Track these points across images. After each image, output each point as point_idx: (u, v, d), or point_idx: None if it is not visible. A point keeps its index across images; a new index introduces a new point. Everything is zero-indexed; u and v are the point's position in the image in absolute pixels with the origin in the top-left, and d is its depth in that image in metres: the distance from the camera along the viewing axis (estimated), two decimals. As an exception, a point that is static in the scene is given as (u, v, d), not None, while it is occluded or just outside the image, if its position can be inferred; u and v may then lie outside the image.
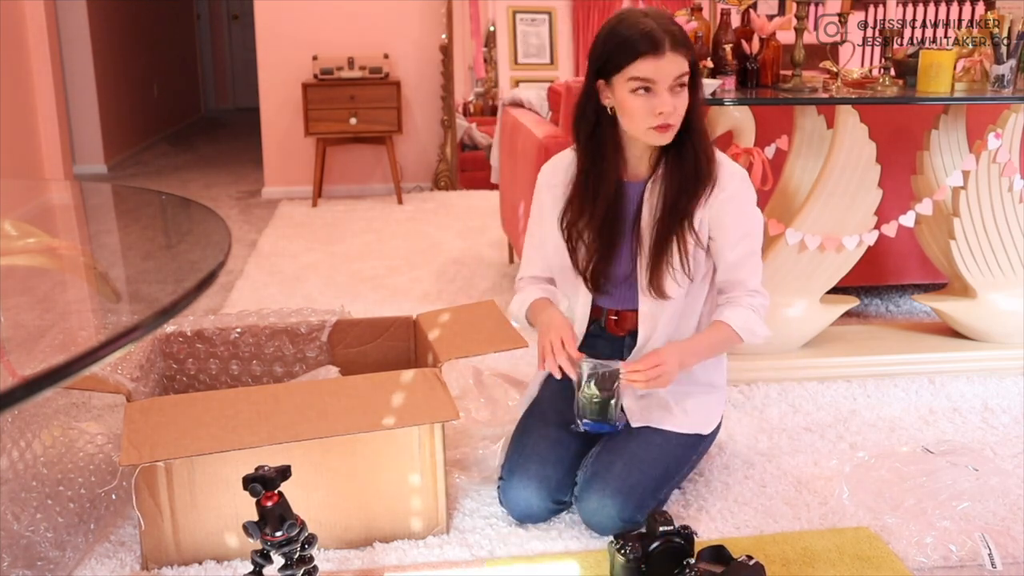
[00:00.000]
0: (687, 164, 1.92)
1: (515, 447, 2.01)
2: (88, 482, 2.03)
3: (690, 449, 2.04)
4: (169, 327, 2.26)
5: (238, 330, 2.28)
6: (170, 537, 1.80)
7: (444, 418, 1.85)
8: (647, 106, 1.84)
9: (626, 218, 2.00)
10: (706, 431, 2.07)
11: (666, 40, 1.81)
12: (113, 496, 2.02)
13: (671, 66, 1.82)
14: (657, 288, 1.96)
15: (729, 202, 1.95)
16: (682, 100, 1.85)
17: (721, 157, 2.00)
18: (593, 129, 1.94)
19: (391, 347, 2.32)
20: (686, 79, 1.85)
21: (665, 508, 2.01)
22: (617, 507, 1.88)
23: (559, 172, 2.06)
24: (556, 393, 2.07)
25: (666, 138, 1.89)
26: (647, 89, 1.83)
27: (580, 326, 2.08)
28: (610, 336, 2.08)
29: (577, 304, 2.08)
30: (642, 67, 1.82)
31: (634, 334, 2.05)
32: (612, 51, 1.86)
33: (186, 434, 1.73)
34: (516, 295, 2.14)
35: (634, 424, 2.00)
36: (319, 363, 2.33)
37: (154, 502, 1.78)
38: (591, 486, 1.91)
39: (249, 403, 1.83)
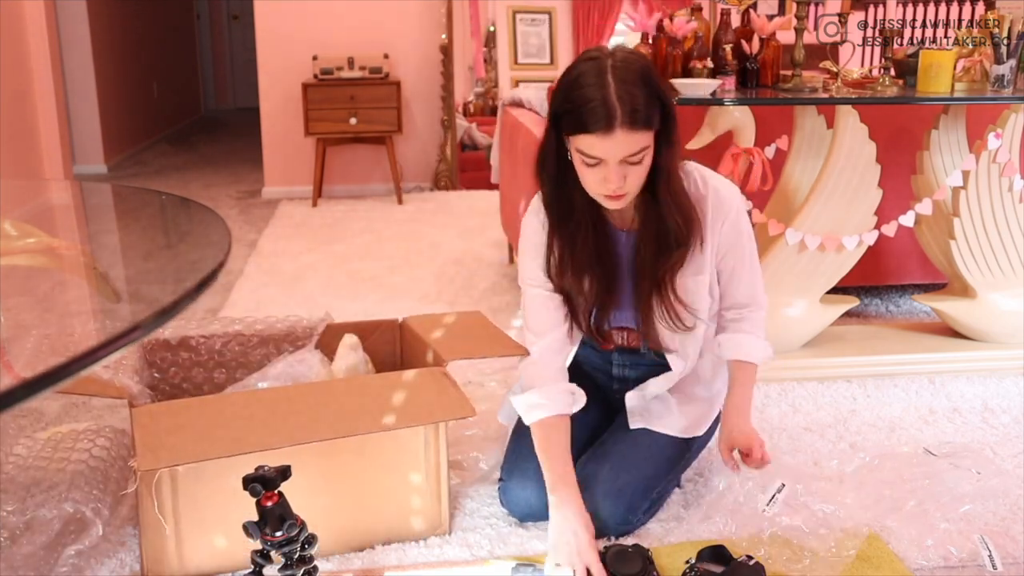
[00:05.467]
0: (663, 223, 1.81)
1: (513, 448, 2.01)
2: (85, 484, 2.02)
3: (681, 450, 2.03)
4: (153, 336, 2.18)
5: (222, 339, 2.23)
6: (173, 548, 1.76)
7: (461, 415, 1.85)
8: (596, 177, 1.71)
9: (621, 265, 1.91)
10: (699, 432, 2.06)
11: (617, 117, 1.62)
12: (107, 500, 2.02)
13: (621, 147, 1.65)
14: (653, 340, 1.95)
15: (732, 227, 1.91)
16: (637, 171, 1.70)
17: (714, 181, 1.90)
18: (559, 178, 1.81)
19: (376, 350, 2.29)
20: (643, 155, 1.69)
21: (664, 508, 2.01)
22: (608, 510, 1.88)
23: (540, 231, 1.91)
24: None
25: (620, 204, 1.77)
26: (596, 161, 1.69)
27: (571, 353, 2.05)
28: (598, 348, 2.08)
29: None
30: (588, 142, 1.66)
31: (621, 349, 2.05)
32: (563, 114, 1.71)
33: (202, 438, 1.69)
34: (525, 392, 1.91)
35: (633, 426, 2.01)
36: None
37: (159, 511, 1.73)
38: (581, 491, 1.91)
39: (261, 406, 1.81)
